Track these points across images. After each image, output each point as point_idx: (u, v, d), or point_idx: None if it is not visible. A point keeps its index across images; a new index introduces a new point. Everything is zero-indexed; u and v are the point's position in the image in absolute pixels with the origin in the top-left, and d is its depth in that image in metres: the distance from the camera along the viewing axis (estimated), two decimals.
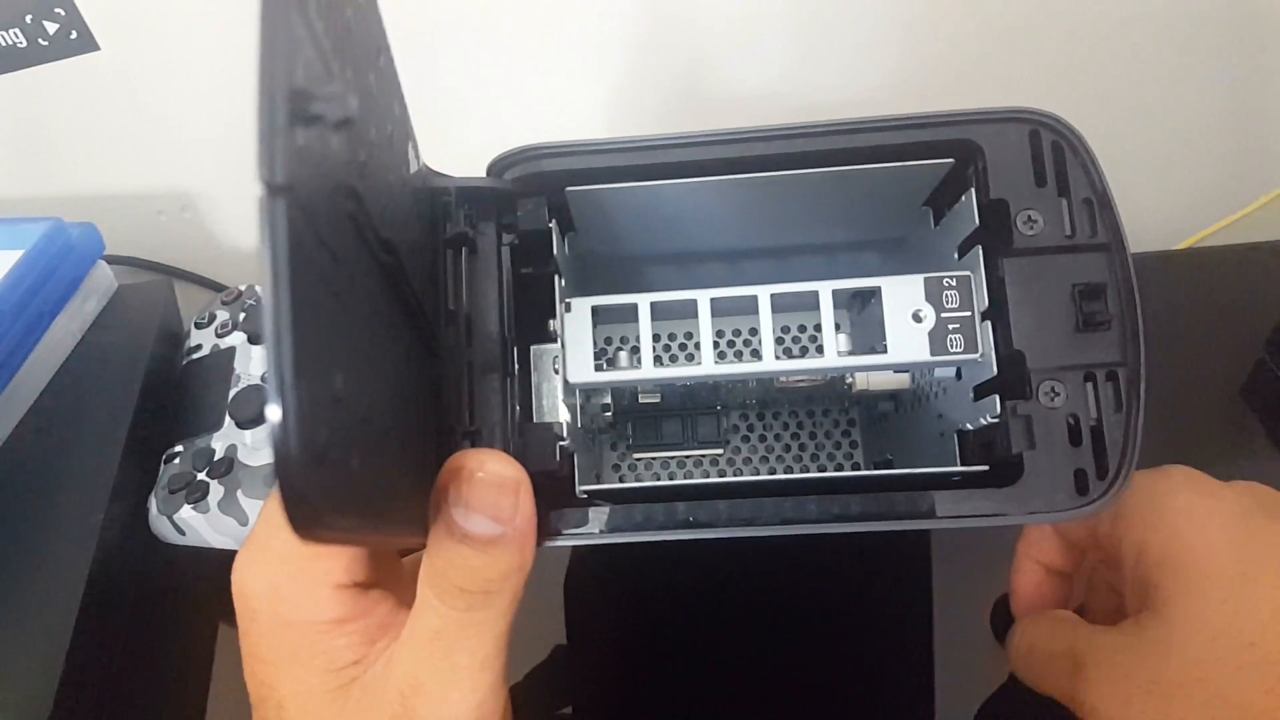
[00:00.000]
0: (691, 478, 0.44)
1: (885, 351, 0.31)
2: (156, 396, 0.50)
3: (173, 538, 0.46)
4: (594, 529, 0.29)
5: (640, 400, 0.42)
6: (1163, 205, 0.54)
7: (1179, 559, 0.29)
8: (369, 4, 0.23)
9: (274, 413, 0.15)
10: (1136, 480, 0.28)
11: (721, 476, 0.44)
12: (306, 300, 0.16)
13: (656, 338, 0.43)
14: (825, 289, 0.32)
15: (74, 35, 0.52)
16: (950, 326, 0.31)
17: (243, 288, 0.53)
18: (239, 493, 0.44)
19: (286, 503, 0.15)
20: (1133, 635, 0.30)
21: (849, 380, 0.39)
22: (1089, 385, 0.28)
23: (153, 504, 0.46)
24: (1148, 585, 0.30)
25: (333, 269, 0.18)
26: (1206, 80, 0.58)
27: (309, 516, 0.16)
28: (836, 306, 0.32)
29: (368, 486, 0.19)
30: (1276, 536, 0.29)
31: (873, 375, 0.38)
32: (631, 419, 0.44)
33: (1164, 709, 0.29)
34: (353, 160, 0.20)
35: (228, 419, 0.47)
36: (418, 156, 0.29)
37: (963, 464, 0.32)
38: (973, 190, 0.30)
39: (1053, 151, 0.29)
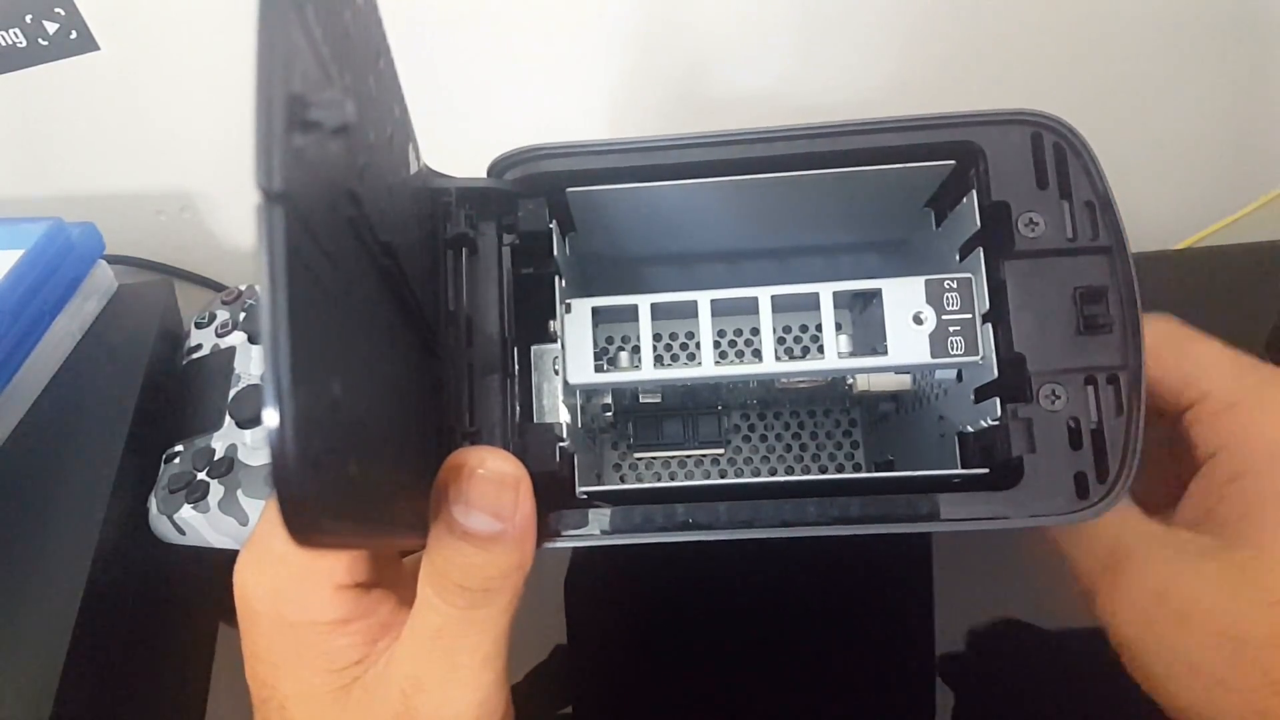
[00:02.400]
0: (692, 478, 0.44)
1: (886, 353, 0.31)
2: (156, 396, 0.50)
3: (173, 538, 0.46)
4: (594, 530, 0.29)
5: (641, 400, 0.42)
6: (1163, 205, 0.54)
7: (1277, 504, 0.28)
8: (368, 7, 0.23)
9: (271, 419, 0.15)
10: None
11: (722, 476, 0.44)
12: (304, 307, 0.16)
13: (658, 337, 0.43)
14: (826, 291, 0.32)
15: (74, 35, 0.52)
16: (951, 329, 0.31)
17: (243, 287, 0.53)
18: (239, 492, 0.44)
19: (284, 509, 0.15)
20: (1189, 557, 0.28)
21: (850, 381, 0.39)
22: (1090, 388, 0.28)
23: (153, 504, 0.46)
24: (1228, 506, 0.29)
25: (331, 274, 0.18)
26: (1206, 80, 0.58)
27: (306, 523, 0.16)
28: (837, 307, 0.32)
29: (366, 491, 0.19)
30: None
31: (874, 376, 0.38)
32: (632, 418, 0.44)
33: (1187, 651, 0.27)
34: (352, 164, 0.20)
35: (228, 419, 0.47)
36: (418, 157, 0.29)
37: (963, 466, 0.32)
38: (974, 192, 0.30)
39: (1054, 153, 0.29)
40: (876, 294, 0.32)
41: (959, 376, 0.34)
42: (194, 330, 0.52)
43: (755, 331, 0.41)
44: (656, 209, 0.33)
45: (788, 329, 0.43)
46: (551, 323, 0.32)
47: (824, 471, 0.44)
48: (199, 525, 0.44)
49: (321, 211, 0.18)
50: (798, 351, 0.43)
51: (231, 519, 0.44)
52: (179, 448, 0.47)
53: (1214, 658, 0.27)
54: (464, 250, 0.30)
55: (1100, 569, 0.30)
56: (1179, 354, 0.31)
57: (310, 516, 0.16)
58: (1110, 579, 0.30)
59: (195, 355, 0.51)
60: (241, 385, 0.48)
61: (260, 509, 0.43)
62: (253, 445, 0.45)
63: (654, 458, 0.45)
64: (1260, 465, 0.29)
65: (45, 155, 0.60)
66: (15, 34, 0.52)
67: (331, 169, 0.18)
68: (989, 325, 0.30)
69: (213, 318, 0.52)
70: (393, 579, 0.29)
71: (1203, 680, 0.28)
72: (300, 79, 0.17)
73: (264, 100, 0.15)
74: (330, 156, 0.18)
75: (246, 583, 0.28)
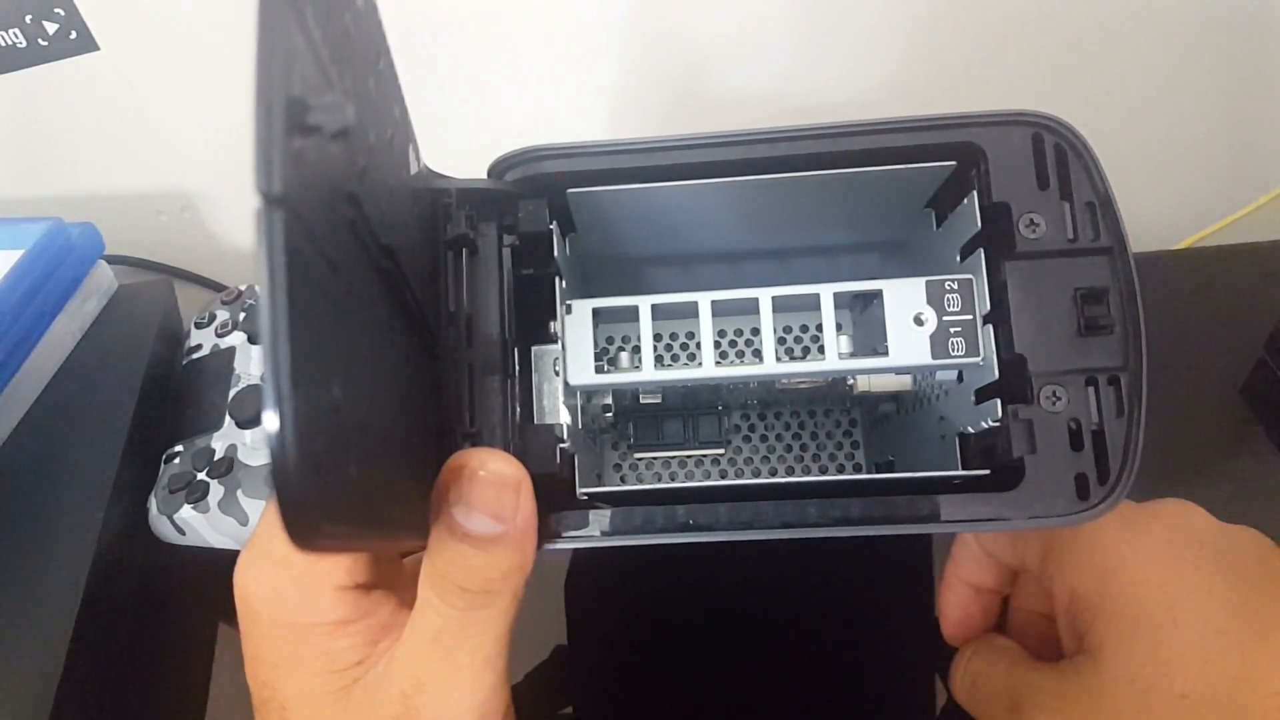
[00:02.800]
0: (693, 478, 0.44)
1: (886, 354, 0.31)
2: (156, 396, 0.50)
3: (173, 538, 0.46)
4: (594, 531, 0.29)
5: (641, 400, 0.42)
6: (1163, 205, 0.54)
7: (1109, 604, 0.29)
8: (368, 8, 0.23)
9: (271, 423, 0.15)
10: None
11: (723, 476, 0.44)
12: (304, 310, 0.16)
13: (658, 337, 0.43)
14: (827, 292, 0.32)
15: (74, 35, 0.52)
16: (952, 329, 0.31)
17: (243, 287, 0.53)
18: (239, 493, 0.44)
19: (284, 513, 0.15)
20: (1068, 681, 0.30)
21: (850, 381, 0.39)
22: (1090, 390, 0.28)
23: (153, 504, 0.46)
24: (1081, 628, 0.30)
25: (331, 278, 0.18)
26: (1207, 80, 0.58)
27: (307, 527, 0.16)
28: (838, 306, 0.32)
29: (366, 493, 0.19)
30: (1203, 569, 0.29)
31: (874, 377, 0.38)
32: (632, 419, 0.44)
33: None
34: (351, 167, 0.20)
35: (228, 419, 0.47)
36: (418, 158, 0.29)
37: (964, 467, 0.32)
38: (975, 193, 0.30)
39: (1055, 154, 0.29)
40: (877, 295, 0.32)
41: (960, 377, 0.34)
42: (194, 330, 0.52)
43: (756, 332, 0.41)
44: (657, 210, 0.33)
45: (788, 329, 0.43)
46: (552, 323, 0.32)
47: (824, 472, 0.44)
48: (199, 525, 0.44)
49: (321, 215, 0.18)
50: (798, 352, 0.43)
51: (231, 519, 0.44)
52: (179, 448, 0.47)
53: None
54: (464, 251, 0.30)
55: (1007, 716, 0.32)
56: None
57: (311, 520, 0.16)
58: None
59: (195, 355, 0.51)
60: (241, 385, 0.48)
61: (260, 509, 0.43)
62: (253, 445, 0.45)
63: (654, 458, 0.45)
64: (1083, 579, 0.30)
65: (45, 155, 0.60)
66: (15, 34, 0.52)
67: (331, 172, 0.18)
68: (990, 326, 0.30)
69: (213, 318, 0.52)
70: (393, 580, 0.29)
71: None
72: (300, 82, 0.17)
73: (263, 104, 0.15)
74: (330, 159, 0.18)
75: (247, 584, 0.28)
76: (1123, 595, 0.29)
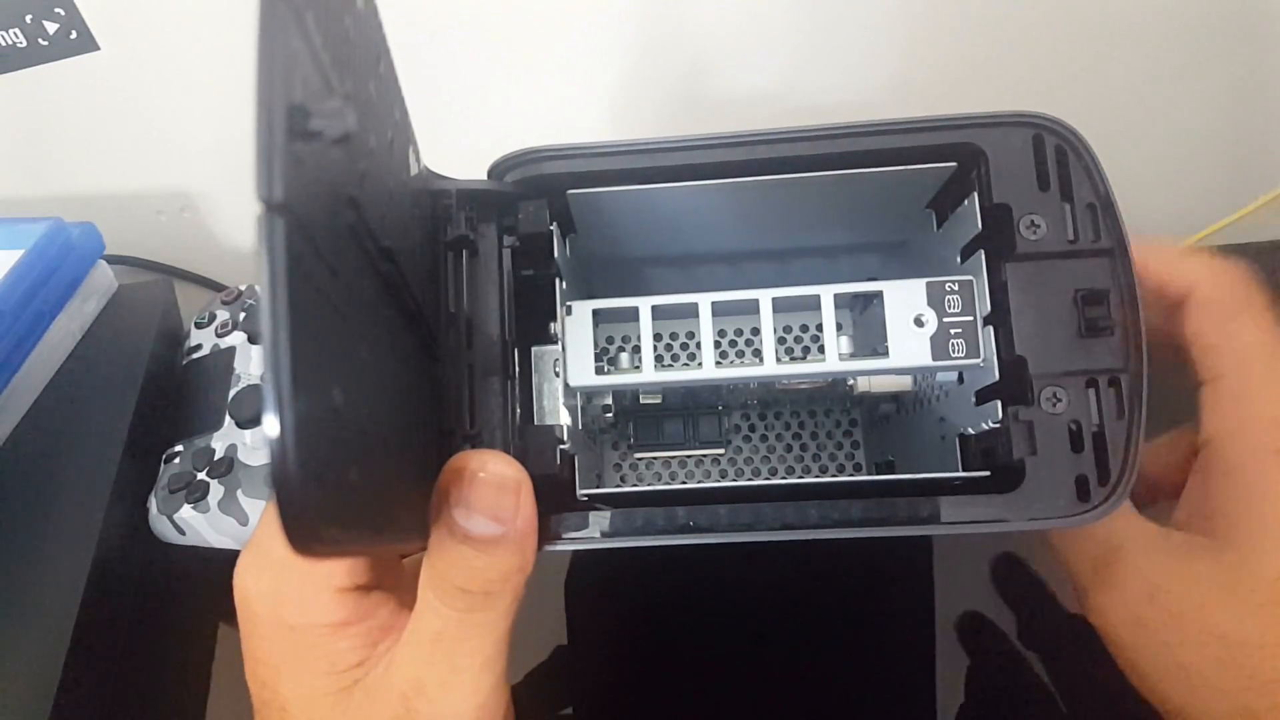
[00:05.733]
0: (693, 478, 0.44)
1: (887, 355, 0.31)
2: (156, 396, 0.50)
3: (173, 538, 0.46)
4: (594, 533, 0.29)
5: (641, 401, 0.42)
6: (1163, 205, 0.53)
7: (1272, 508, 0.28)
8: (369, 10, 0.23)
9: (272, 428, 0.15)
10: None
11: (723, 477, 0.44)
12: (305, 315, 0.16)
13: (658, 337, 0.43)
14: (827, 293, 0.32)
15: (74, 35, 0.52)
16: (952, 331, 0.31)
17: (243, 287, 0.53)
18: (239, 492, 0.44)
19: (285, 519, 0.15)
20: (1180, 558, 0.29)
21: (850, 382, 0.39)
22: (1091, 391, 0.28)
23: (153, 504, 0.46)
24: (1218, 503, 0.29)
25: (331, 282, 0.18)
26: (1207, 81, 0.58)
27: (306, 531, 0.16)
28: (838, 307, 0.32)
29: (366, 497, 0.19)
30: None
31: (874, 377, 0.38)
32: (633, 419, 0.44)
33: (1177, 650, 0.28)
34: (352, 171, 0.20)
35: (228, 419, 0.46)
36: (418, 160, 0.28)
37: (964, 468, 0.32)
38: (975, 194, 0.30)
39: (1056, 155, 0.29)
40: (878, 296, 0.32)
41: (960, 378, 0.34)
42: (194, 330, 0.52)
43: (756, 332, 0.41)
44: (657, 211, 0.33)
45: (788, 329, 0.43)
46: (552, 324, 0.32)
47: (824, 472, 0.44)
48: (199, 525, 0.44)
49: (322, 220, 0.18)
50: (798, 353, 0.43)
51: (231, 519, 0.44)
52: (179, 448, 0.47)
53: (1202, 658, 0.28)
54: (464, 252, 0.30)
55: (1092, 568, 0.30)
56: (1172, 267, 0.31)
57: (311, 525, 0.16)
58: (1102, 578, 0.30)
59: (195, 355, 0.51)
60: (241, 385, 0.48)
61: (260, 509, 0.43)
62: (253, 445, 0.45)
63: (654, 458, 0.45)
64: (1250, 462, 0.29)
65: (45, 155, 0.59)
66: (15, 34, 0.52)
67: (332, 176, 0.18)
68: (990, 327, 0.30)
69: (213, 318, 0.52)
70: (393, 581, 0.29)
71: (1191, 680, 0.28)
72: (301, 87, 0.17)
73: (264, 110, 0.15)
74: (331, 164, 0.18)
75: (247, 585, 0.28)
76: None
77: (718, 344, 0.41)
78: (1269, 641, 0.27)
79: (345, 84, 0.20)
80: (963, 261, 0.32)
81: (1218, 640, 0.27)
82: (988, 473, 0.29)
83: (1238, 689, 0.27)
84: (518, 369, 0.31)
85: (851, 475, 0.44)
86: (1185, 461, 0.32)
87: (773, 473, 0.44)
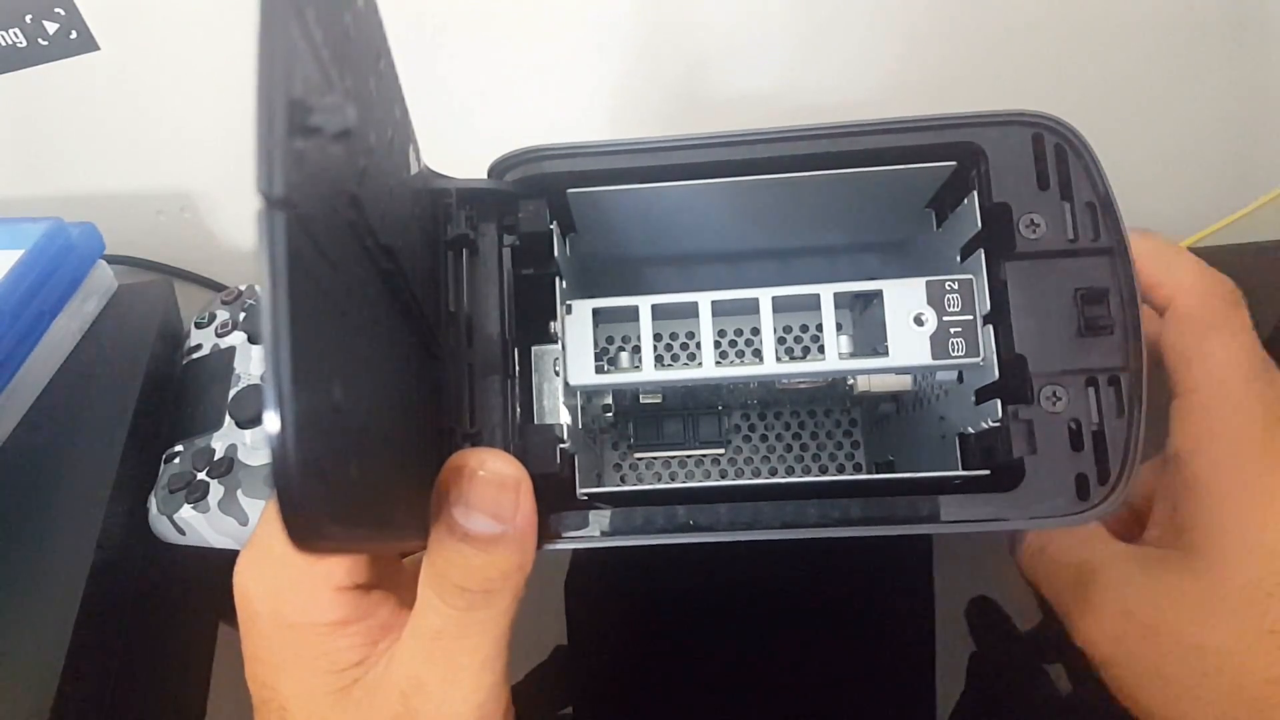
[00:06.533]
0: (693, 477, 0.44)
1: (887, 354, 0.31)
2: (156, 396, 0.50)
3: (173, 538, 0.46)
4: (594, 532, 0.29)
5: (641, 400, 0.42)
6: (1163, 205, 0.53)
7: (1239, 506, 0.28)
8: (369, 8, 0.23)
9: (273, 425, 0.15)
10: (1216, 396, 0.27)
11: (723, 476, 0.44)
12: (305, 312, 0.16)
13: (658, 337, 0.43)
14: (827, 292, 0.32)
15: (74, 35, 0.52)
16: (952, 330, 0.31)
17: (243, 287, 0.53)
18: (239, 492, 0.44)
19: (285, 515, 0.15)
20: (1153, 574, 0.29)
21: (850, 381, 0.39)
22: (1091, 390, 0.28)
23: (153, 504, 0.46)
24: (1185, 514, 0.29)
25: (331, 279, 0.18)
26: (1207, 81, 0.58)
27: (307, 527, 0.16)
28: (838, 307, 0.32)
29: (366, 494, 0.19)
30: None
31: (874, 377, 0.38)
32: (633, 418, 0.44)
33: (1156, 664, 0.28)
34: (352, 168, 0.20)
35: (228, 419, 0.47)
36: (419, 158, 0.28)
37: (964, 467, 0.32)
38: (975, 193, 0.30)
39: (1055, 154, 0.29)
40: (877, 295, 0.32)
41: (960, 378, 0.34)
42: (194, 330, 0.52)
43: (756, 332, 0.41)
44: (657, 210, 0.33)
45: (788, 329, 0.43)
46: (552, 324, 0.32)
47: (824, 472, 0.44)
48: (199, 525, 0.44)
49: (322, 216, 0.18)
50: (798, 352, 0.43)
51: (231, 519, 0.44)
52: (179, 448, 0.47)
53: (1183, 670, 0.28)
54: (464, 251, 0.30)
55: (1070, 591, 0.31)
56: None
57: (311, 521, 0.16)
58: (1080, 600, 0.30)
59: (195, 355, 0.51)
60: (241, 385, 0.48)
61: (260, 509, 0.43)
62: (253, 445, 0.45)
63: (654, 458, 0.45)
64: (1214, 474, 0.29)
65: (45, 155, 0.60)
66: (15, 34, 0.52)
67: (332, 173, 0.18)
68: (990, 326, 0.30)
69: (213, 318, 0.52)
70: (393, 580, 0.29)
71: (1174, 692, 0.28)
72: (301, 83, 0.17)
73: (265, 106, 0.15)
74: (331, 160, 0.18)
75: (247, 584, 0.28)
76: (1256, 517, 0.28)
77: (718, 343, 0.41)
78: (1243, 648, 0.27)
79: (345, 81, 0.20)
80: (962, 261, 0.32)
81: (1194, 651, 0.28)
82: (988, 472, 0.29)
83: (1219, 697, 0.28)
84: (518, 368, 0.31)
85: (851, 475, 0.43)
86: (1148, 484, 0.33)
87: (773, 472, 0.44)
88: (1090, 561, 0.31)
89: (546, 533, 0.28)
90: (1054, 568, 0.32)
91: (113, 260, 0.57)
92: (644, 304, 0.33)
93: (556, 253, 0.32)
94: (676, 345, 0.44)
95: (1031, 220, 0.29)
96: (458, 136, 0.45)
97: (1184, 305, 0.30)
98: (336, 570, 0.27)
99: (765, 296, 0.32)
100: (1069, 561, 0.31)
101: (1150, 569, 0.29)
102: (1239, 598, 0.27)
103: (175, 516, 0.44)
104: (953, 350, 0.31)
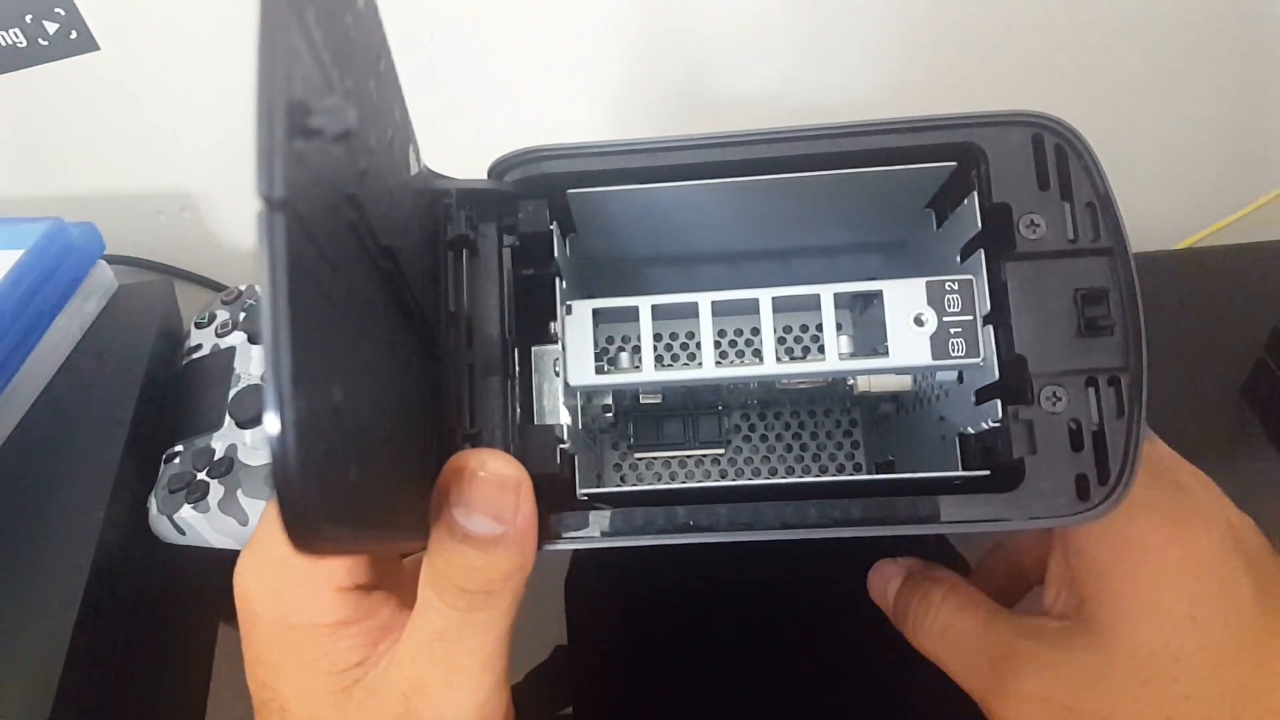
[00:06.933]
0: (693, 478, 0.44)
1: (887, 354, 0.31)
2: (156, 396, 0.50)
3: (173, 538, 0.46)
4: (594, 532, 0.29)
5: (641, 400, 0.42)
6: (1163, 205, 0.54)
7: (1128, 583, 0.28)
8: (369, 9, 0.23)
9: (273, 426, 0.15)
10: None
11: (723, 476, 0.44)
12: (305, 313, 0.16)
13: (658, 337, 0.43)
14: (827, 292, 0.32)
15: (74, 35, 0.52)
16: (952, 330, 0.31)
17: (243, 287, 0.53)
18: (239, 492, 0.44)
19: (285, 516, 0.15)
20: (1060, 650, 0.29)
21: (850, 381, 0.39)
22: (1091, 390, 0.28)
23: (153, 504, 0.46)
24: (1084, 594, 0.29)
25: (331, 280, 0.18)
26: (1207, 81, 0.58)
27: (307, 529, 0.16)
28: (838, 307, 0.32)
29: (366, 496, 0.19)
30: (1231, 573, 0.28)
31: (874, 377, 0.38)
32: (632, 419, 0.44)
33: None
34: (352, 169, 0.20)
35: (228, 419, 0.47)
36: (418, 159, 0.28)
37: (964, 467, 0.32)
38: (975, 194, 0.30)
39: (1055, 155, 0.29)
40: (877, 295, 0.32)
41: (960, 378, 0.34)
42: (194, 330, 0.52)
43: (756, 332, 0.41)
44: (657, 210, 0.33)
45: (788, 329, 0.43)
46: (552, 324, 0.32)
47: (824, 472, 0.44)
48: (199, 525, 0.44)
49: (322, 217, 0.18)
50: (798, 352, 0.43)
51: (231, 519, 0.44)
52: (179, 448, 0.47)
53: None
54: (464, 252, 0.30)
55: (984, 677, 0.31)
56: None
57: (311, 523, 0.16)
58: (996, 685, 0.30)
59: (195, 355, 0.51)
60: (241, 385, 0.48)
61: (260, 509, 0.43)
62: (253, 445, 0.45)
63: (654, 458, 0.45)
64: (1098, 542, 0.29)
65: (45, 155, 0.60)
66: (15, 34, 0.52)
67: (332, 174, 0.18)
68: (990, 327, 0.30)
69: (213, 318, 0.52)
70: (393, 581, 0.29)
71: None
72: (301, 84, 0.17)
73: (265, 107, 0.15)
74: (331, 162, 0.18)
75: (247, 585, 0.28)
76: (1147, 580, 0.28)
77: (718, 344, 0.41)
78: (1148, 714, 0.27)
79: (345, 82, 0.20)
80: (962, 261, 0.32)
81: None
82: (988, 472, 0.29)
83: None
84: (518, 368, 0.31)
85: (851, 475, 0.43)
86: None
87: (773, 473, 0.44)
88: (999, 645, 0.30)
89: (546, 533, 0.28)
90: (962, 652, 0.32)
91: (113, 260, 0.57)
92: (644, 304, 0.33)
93: (556, 253, 0.32)
94: (676, 345, 0.44)
95: (1031, 220, 0.29)
96: (458, 137, 0.45)
97: None
98: (337, 571, 0.27)
99: (765, 297, 0.32)
100: (977, 645, 0.31)
101: (1059, 648, 0.29)
102: (1148, 668, 0.28)
103: (175, 516, 0.44)
104: (953, 350, 0.31)
